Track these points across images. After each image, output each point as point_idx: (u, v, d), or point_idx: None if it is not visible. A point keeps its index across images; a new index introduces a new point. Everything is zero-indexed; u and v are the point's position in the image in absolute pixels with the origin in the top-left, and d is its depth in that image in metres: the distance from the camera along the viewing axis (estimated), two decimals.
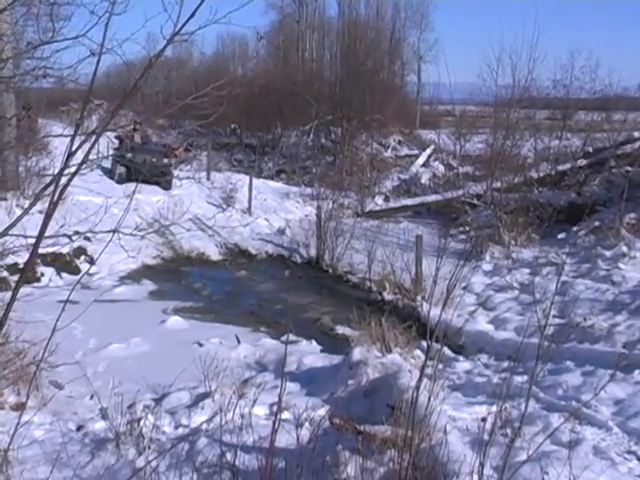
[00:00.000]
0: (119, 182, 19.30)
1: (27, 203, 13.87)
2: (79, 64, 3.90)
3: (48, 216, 2.73)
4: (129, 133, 21.15)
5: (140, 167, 19.19)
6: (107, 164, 20.80)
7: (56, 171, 2.92)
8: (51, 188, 2.88)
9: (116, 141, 21.17)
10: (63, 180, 2.88)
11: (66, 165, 2.82)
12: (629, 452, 5.70)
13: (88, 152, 2.88)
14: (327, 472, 4.60)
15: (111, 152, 20.52)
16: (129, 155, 19.86)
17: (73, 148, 2.88)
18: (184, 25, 2.84)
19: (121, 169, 19.87)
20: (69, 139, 2.91)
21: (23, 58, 7.13)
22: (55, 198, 2.78)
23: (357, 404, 5.93)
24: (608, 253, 12.48)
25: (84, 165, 2.95)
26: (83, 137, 2.99)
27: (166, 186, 19.92)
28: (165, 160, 20.43)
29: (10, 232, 3.14)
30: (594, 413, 6.31)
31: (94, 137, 2.97)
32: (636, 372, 7.33)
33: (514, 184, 16.70)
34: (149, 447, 5.61)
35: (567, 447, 5.15)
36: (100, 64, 3.04)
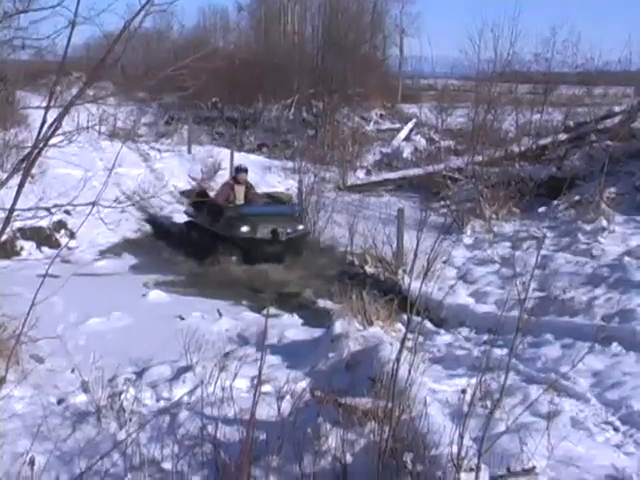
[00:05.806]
0: None
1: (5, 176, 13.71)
2: (57, 35, 3.85)
3: (21, 185, 2.70)
4: (226, 188, 13.78)
5: (269, 245, 12.57)
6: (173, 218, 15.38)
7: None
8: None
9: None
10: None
11: (43, 136, 2.79)
12: (606, 423, 5.78)
13: (59, 120, 2.84)
14: (308, 444, 4.64)
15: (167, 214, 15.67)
16: (245, 229, 12.60)
17: (50, 119, 2.84)
18: None
19: (232, 251, 12.63)
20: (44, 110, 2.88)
21: None
22: (28, 166, 2.75)
23: (338, 377, 5.96)
24: (588, 227, 12.55)
25: (62, 137, 2.92)
26: (61, 109, 2.95)
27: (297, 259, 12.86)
28: (300, 226, 13.41)
29: None
30: (572, 385, 6.38)
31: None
32: (614, 344, 7.41)
33: (495, 158, 16.68)
34: (130, 420, 5.62)
35: (546, 418, 5.23)
36: (79, 35, 3.01)
